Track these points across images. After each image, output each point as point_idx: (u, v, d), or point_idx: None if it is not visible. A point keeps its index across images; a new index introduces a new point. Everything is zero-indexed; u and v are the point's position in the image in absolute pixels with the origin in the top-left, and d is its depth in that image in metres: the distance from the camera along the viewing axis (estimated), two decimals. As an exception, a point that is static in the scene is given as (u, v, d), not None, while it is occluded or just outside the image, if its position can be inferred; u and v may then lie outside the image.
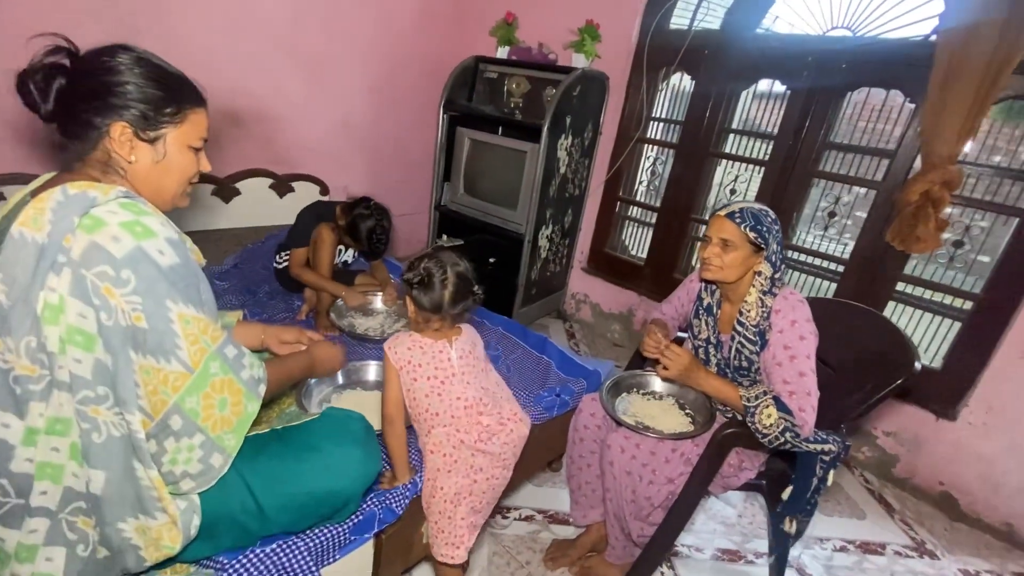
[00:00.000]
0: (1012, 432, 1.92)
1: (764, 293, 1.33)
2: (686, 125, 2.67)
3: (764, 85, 2.48)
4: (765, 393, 1.29)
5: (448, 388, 1.23)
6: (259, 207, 2.64)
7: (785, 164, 2.37)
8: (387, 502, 1.18)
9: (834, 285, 2.32)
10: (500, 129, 2.80)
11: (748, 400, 1.30)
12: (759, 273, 1.33)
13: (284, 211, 2.66)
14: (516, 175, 2.66)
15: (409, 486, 1.24)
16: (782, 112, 2.37)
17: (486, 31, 2.95)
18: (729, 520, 1.88)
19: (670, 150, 2.79)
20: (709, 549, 1.75)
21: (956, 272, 2.07)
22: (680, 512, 1.37)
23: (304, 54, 2.60)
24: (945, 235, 1.98)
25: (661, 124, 2.82)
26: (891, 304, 2.20)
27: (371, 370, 1.60)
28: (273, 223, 2.64)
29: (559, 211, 2.82)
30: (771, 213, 1.32)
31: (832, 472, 1.33)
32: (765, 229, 1.30)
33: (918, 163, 1.97)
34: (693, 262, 2.88)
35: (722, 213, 1.32)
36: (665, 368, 1.39)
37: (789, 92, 2.34)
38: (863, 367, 1.45)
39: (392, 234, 1.98)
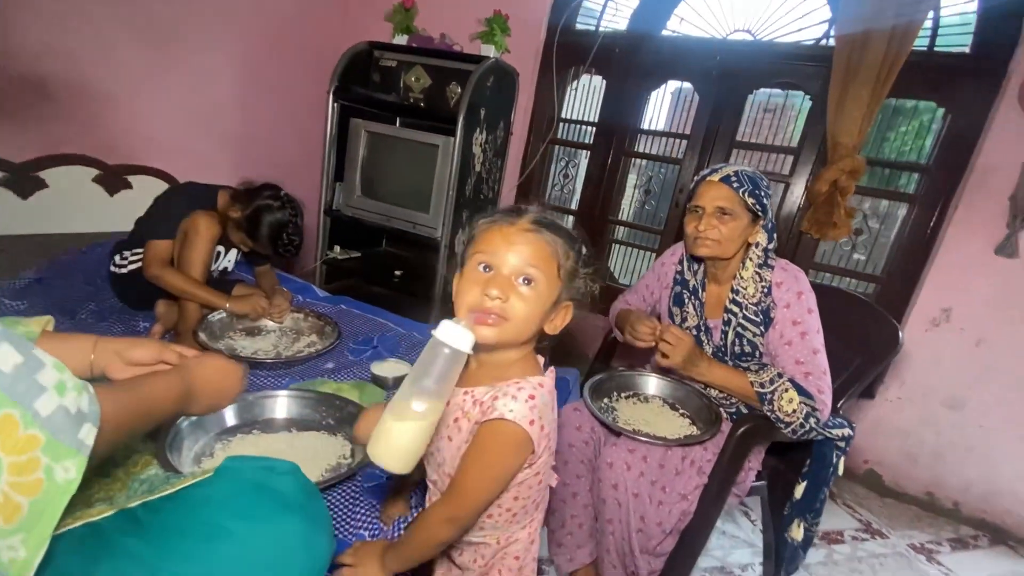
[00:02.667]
0: (923, 403, 2.05)
1: (761, 266, 1.18)
2: (599, 126, 2.60)
3: (674, 86, 2.51)
4: (780, 376, 1.12)
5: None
6: (78, 206, 1.94)
7: (700, 163, 2.39)
8: None
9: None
10: (402, 121, 2.47)
11: (762, 386, 1.13)
12: (755, 245, 1.19)
13: (117, 213, 1.99)
14: (426, 173, 2.34)
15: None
16: (693, 112, 2.41)
17: (381, 16, 2.62)
18: (703, 533, 1.70)
19: (583, 152, 2.69)
20: (695, 572, 1.54)
21: (859, 257, 2.21)
22: (699, 532, 1.13)
23: (145, 16, 2.02)
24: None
25: (573, 125, 2.72)
26: (807, 292, 2.28)
27: (277, 404, 1.13)
28: (100, 229, 1.96)
29: (475, 215, 2.54)
30: (763, 176, 1.20)
31: (842, 460, 1.20)
32: (763, 194, 1.16)
33: (821, 159, 2.08)
34: (611, 266, 2.79)
35: (715, 178, 1.16)
36: (665, 356, 1.16)
37: (698, 93, 2.38)
38: (844, 346, 1.38)
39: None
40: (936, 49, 1.98)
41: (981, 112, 1.87)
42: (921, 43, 1.94)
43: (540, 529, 0.83)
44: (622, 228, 2.73)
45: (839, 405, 1.27)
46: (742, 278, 1.20)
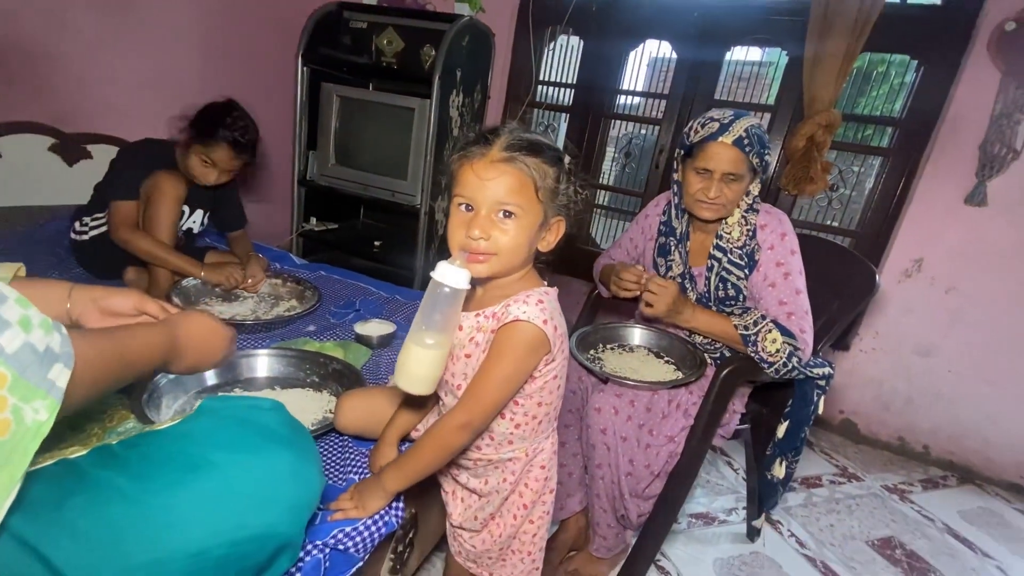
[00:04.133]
0: (895, 352, 2.12)
1: (747, 211, 1.19)
2: (578, 88, 2.56)
3: (653, 47, 2.48)
4: (764, 318, 1.14)
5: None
6: (34, 177, 1.84)
7: (679, 124, 2.39)
8: (343, 542, 0.73)
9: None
10: (375, 85, 2.39)
11: (746, 328, 1.14)
12: (747, 194, 1.18)
13: (77, 184, 1.89)
14: (403, 138, 2.28)
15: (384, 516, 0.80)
16: (671, 72, 2.39)
17: (348, -26, 2.51)
18: (688, 483, 1.75)
19: (563, 114, 2.66)
20: (681, 517, 1.58)
21: (835, 212, 2.25)
22: (687, 472, 1.16)
23: (94, -29, 1.90)
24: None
25: (552, 88, 2.68)
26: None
27: (258, 362, 1.10)
28: (59, 201, 1.86)
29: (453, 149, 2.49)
30: (764, 129, 1.18)
31: (823, 399, 1.24)
32: (767, 151, 1.15)
33: (798, 116, 2.09)
34: (592, 231, 2.79)
35: (728, 140, 1.11)
36: (649, 305, 1.17)
37: (676, 51, 2.36)
38: (823, 292, 1.40)
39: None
40: (909, 2, 1.99)
41: (952, 64, 1.89)
42: (896, -5, 1.95)
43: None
44: (604, 193, 2.72)
45: (818, 348, 1.30)
46: (727, 224, 1.20)
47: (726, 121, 1.12)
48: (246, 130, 1.39)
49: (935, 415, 2.10)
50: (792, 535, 1.59)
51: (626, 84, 2.54)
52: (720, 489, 1.76)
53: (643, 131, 2.61)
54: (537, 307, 0.71)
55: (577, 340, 1.28)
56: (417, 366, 0.69)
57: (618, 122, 2.61)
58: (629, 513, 1.17)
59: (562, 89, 2.66)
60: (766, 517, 1.56)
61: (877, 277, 1.31)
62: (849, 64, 1.93)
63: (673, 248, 1.30)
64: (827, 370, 1.19)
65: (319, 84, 2.39)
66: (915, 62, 2.00)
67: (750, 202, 1.18)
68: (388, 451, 0.86)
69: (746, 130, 1.10)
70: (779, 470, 1.30)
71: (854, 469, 2.01)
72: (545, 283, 0.79)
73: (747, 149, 1.10)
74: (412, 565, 0.97)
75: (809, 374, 1.17)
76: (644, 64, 2.53)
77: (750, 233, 1.18)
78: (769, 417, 1.32)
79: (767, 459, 1.31)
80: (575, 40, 2.58)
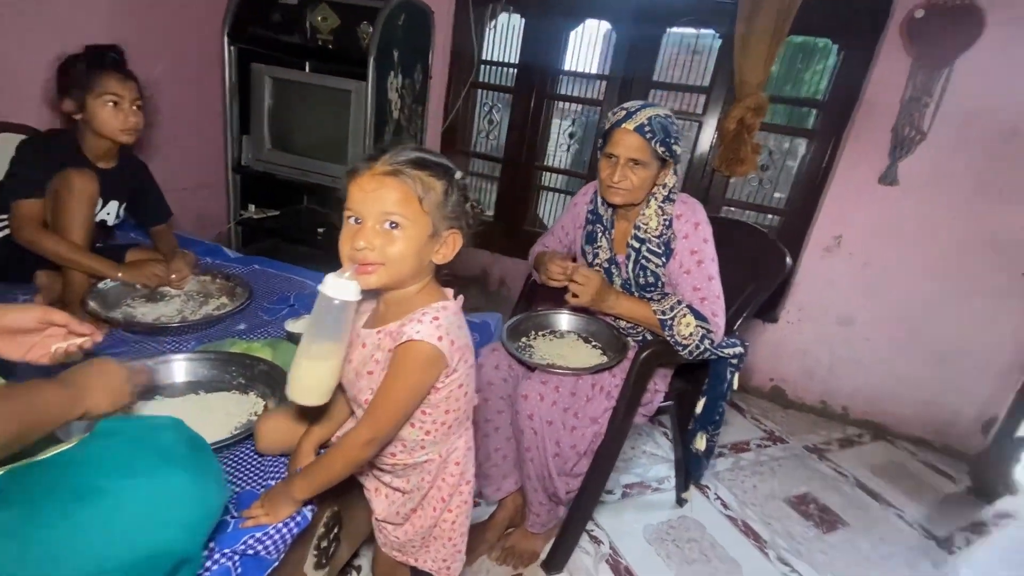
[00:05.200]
0: (819, 322, 2.27)
1: (664, 201, 1.24)
2: (520, 68, 2.54)
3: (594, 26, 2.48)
4: (679, 303, 1.20)
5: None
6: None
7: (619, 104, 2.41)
8: (253, 547, 0.75)
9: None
10: (311, 66, 2.31)
11: (663, 313, 1.21)
12: (663, 185, 1.23)
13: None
14: (340, 121, 2.22)
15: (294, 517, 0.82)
16: (610, 53, 2.40)
17: (275, -54, 2.38)
18: (623, 455, 1.85)
19: (507, 95, 2.64)
20: (615, 488, 1.68)
21: (765, 192, 2.35)
22: (610, 450, 1.23)
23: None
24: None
25: (495, 67, 2.65)
26: (720, 228, 2.41)
27: (176, 368, 1.09)
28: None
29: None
30: (672, 115, 1.22)
31: (736, 375, 1.32)
32: (673, 141, 1.19)
33: (731, 98, 2.15)
34: (540, 212, 2.81)
35: (630, 126, 1.16)
36: (575, 295, 1.21)
37: (615, 31, 2.37)
38: (741, 273, 1.48)
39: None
40: (832, -14, 2.05)
41: (868, 48, 1.98)
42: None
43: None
44: (552, 175, 2.73)
45: (736, 326, 1.38)
46: (645, 214, 1.25)
47: (632, 110, 1.18)
48: (112, 48, 1.39)
49: (854, 379, 2.28)
50: (718, 498, 1.72)
51: (569, 64, 2.54)
52: (655, 459, 1.87)
53: (586, 113, 2.62)
54: (432, 324, 0.73)
55: (508, 330, 1.32)
56: (308, 378, 0.72)
57: (564, 103, 2.61)
58: (558, 491, 1.24)
59: (506, 69, 2.63)
60: (694, 485, 1.68)
61: (788, 260, 1.39)
62: (776, 47, 1.99)
63: (600, 235, 1.34)
64: (738, 349, 1.27)
65: (248, 65, 2.28)
66: (835, 46, 2.08)
67: (666, 193, 1.23)
68: (305, 460, 0.88)
69: (649, 119, 1.16)
70: (701, 443, 1.39)
71: (780, 433, 2.16)
72: (449, 295, 0.81)
73: (648, 136, 1.15)
74: (342, 558, 1.01)
75: (721, 354, 1.25)
76: (584, 43, 2.53)
77: (667, 223, 1.23)
78: (691, 394, 1.41)
79: (689, 433, 1.40)
80: (516, 18, 2.55)
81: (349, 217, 0.74)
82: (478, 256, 2.77)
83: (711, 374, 1.31)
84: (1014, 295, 1.98)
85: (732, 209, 2.38)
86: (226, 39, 2.22)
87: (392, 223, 0.72)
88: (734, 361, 1.28)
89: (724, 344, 1.24)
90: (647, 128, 1.15)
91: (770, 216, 2.34)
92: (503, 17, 2.57)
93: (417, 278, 0.78)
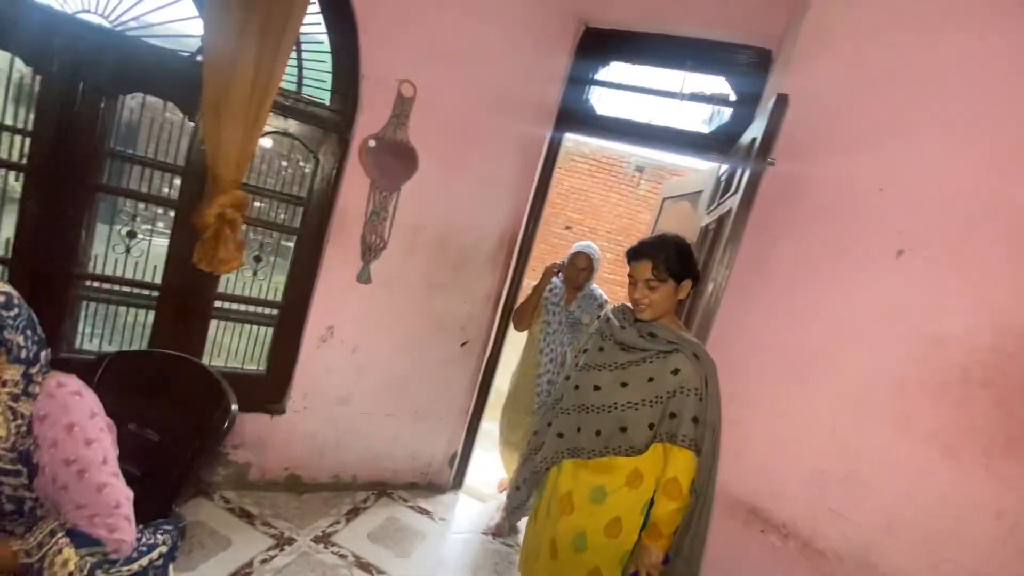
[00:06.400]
0: (323, 404, 2.39)
1: (15, 399, 0.92)
2: None
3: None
4: (52, 533, 0.92)
5: None
6: None
7: (55, 172, 1.84)
8: None
9: (152, 313, 2.08)
10: None
11: (28, 555, 0.90)
12: (4, 384, 0.90)
13: None
14: None
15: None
16: (35, 105, 1.80)
17: None
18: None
19: None
20: None
21: (261, 283, 2.29)
22: None
23: None
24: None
25: None
26: (214, 322, 2.19)
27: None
28: None
29: None
30: None
31: (172, 567, 1.15)
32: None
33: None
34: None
35: None
36: None
37: (42, 80, 1.78)
38: (185, 421, 1.32)
39: None
40: (303, 94, 2.16)
41: (338, 163, 2.20)
42: (292, 86, 2.09)
43: None
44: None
45: (177, 501, 1.21)
46: (-7, 415, 0.90)
47: None
48: None
49: (358, 449, 2.52)
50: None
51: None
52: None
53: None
54: None
55: None
56: None
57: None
58: None
59: None
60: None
61: (233, 407, 1.32)
62: (250, 146, 1.93)
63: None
64: (160, 547, 1.10)
65: None
66: (311, 154, 2.22)
67: (17, 387, 0.92)
68: None
69: None
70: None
71: (290, 532, 2.14)
72: None
73: None
74: None
75: (137, 570, 1.04)
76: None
77: (22, 430, 0.92)
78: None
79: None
80: None
81: None
82: None
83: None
84: (457, 362, 2.63)
85: (227, 304, 2.21)
86: None
87: None
88: (159, 562, 1.10)
89: (137, 555, 1.04)
90: None
91: (268, 309, 2.30)
92: None
93: None
